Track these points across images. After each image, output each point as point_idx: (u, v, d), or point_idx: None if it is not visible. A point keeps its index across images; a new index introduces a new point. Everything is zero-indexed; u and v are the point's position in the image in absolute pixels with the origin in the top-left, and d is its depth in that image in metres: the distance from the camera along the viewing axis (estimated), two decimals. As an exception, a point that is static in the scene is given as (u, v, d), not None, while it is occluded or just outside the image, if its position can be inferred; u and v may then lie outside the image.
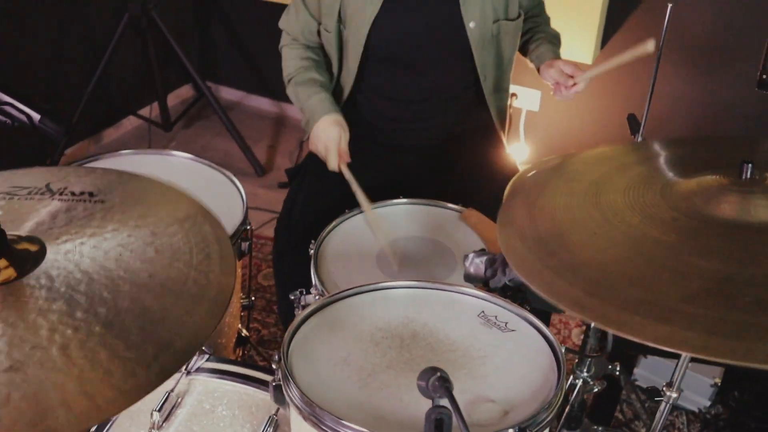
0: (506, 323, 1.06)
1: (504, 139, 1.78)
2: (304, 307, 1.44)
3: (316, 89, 1.64)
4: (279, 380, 0.95)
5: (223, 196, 1.56)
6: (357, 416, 0.84)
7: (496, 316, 1.07)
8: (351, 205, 1.55)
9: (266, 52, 3.41)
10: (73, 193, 1.10)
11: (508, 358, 0.98)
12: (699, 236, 0.77)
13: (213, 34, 3.49)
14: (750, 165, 0.75)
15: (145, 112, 3.21)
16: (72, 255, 0.92)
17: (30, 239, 0.94)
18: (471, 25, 1.56)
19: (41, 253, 0.92)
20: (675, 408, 2.02)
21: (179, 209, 1.06)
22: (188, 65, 2.95)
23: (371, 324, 1.04)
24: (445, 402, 0.73)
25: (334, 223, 1.48)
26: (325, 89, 1.65)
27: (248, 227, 1.53)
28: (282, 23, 1.72)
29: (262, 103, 3.53)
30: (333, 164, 1.57)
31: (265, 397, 1.18)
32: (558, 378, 0.94)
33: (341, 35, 1.64)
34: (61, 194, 1.09)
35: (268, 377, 1.19)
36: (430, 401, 0.77)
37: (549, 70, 1.60)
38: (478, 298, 1.12)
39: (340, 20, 1.62)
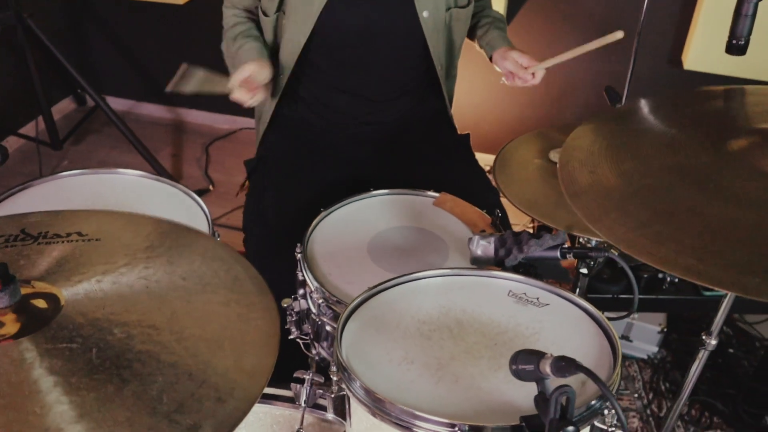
0: (537, 298, 1.07)
1: (455, 124, 1.80)
2: (298, 313, 1.39)
3: (247, 41, 1.60)
4: (336, 392, 0.91)
5: (185, 211, 1.46)
6: (450, 412, 0.82)
7: (525, 293, 1.09)
8: (325, 202, 1.50)
9: (154, 56, 3.21)
10: (58, 235, 0.98)
11: (557, 331, 1.00)
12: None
13: (92, 42, 3.24)
14: None
15: (27, 130, 2.93)
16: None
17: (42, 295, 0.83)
18: (425, 14, 1.55)
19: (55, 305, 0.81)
20: (626, 358, 2.16)
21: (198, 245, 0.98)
22: (76, 75, 2.73)
23: (412, 318, 1.02)
24: (561, 381, 0.73)
25: (315, 221, 1.43)
26: (257, 40, 1.60)
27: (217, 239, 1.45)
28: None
29: (155, 111, 3.34)
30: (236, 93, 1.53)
31: (282, 412, 1.13)
32: (611, 343, 0.97)
33: (278, 23, 1.58)
34: (44, 237, 0.97)
35: (280, 391, 1.14)
36: (526, 384, 0.77)
37: (504, 62, 1.62)
38: (500, 278, 1.13)
39: (280, 7, 1.56)
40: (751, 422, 1.98)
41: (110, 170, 1.57)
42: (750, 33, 1.12)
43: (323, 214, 1.46)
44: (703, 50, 2.33)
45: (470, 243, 1.24)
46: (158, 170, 2.84)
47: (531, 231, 1.18)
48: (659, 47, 2.48)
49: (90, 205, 1.46)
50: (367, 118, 1.70)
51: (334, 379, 0.92)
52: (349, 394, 0.89)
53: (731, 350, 2.18)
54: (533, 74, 1.56)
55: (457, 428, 0.79)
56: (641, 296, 1.62)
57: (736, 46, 1.13)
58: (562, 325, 1.01)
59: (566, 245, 1.13)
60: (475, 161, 1.72)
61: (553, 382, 0.75)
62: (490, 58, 1.69)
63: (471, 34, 1.74)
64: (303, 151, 1.68)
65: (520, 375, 0.78)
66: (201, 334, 0.80)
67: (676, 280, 1.65)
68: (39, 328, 0.76)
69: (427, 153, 1.70)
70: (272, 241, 1.51)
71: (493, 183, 1.55)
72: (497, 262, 1.20)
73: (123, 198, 1.49)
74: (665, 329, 2.09)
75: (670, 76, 2.50)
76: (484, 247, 1.22)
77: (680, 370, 2.13)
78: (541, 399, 0.75)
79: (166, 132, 3.24)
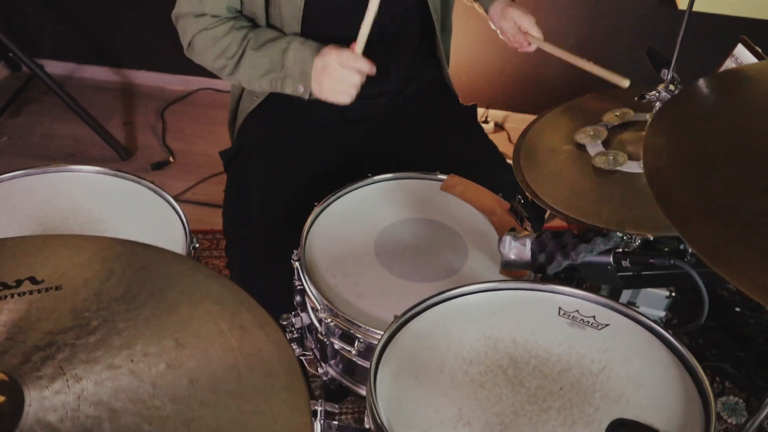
0: (593, 317, 0.92)
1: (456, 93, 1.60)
2: (300, 329, 1.21)
3: (286, 39, 1.32)
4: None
5: (157, 220, 1.24)
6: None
7: (577, 311, 0.93)
8: (316, 193, 1.30)
9: (94, 11, 2.88)
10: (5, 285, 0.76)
11: (629, 365, 0.84)
12: None
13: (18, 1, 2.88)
14: None
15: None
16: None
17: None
18: None
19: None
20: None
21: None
22: (3, 38, 2.41)
23: (456, 357, 0.85)
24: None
25: (310, 220, 1.24)
26: (291, 35, 1.34)
27: (195, 246, 1.25)
28: (187, 7, 1.36)
29: (99, 74, 3.02)
30: (366, 67, 1.25)
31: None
32: (692, 375, 0.82)
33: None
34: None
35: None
36: None
37: (502, 21, 1.42)
38: (546, 291, 0.96)
39: None
40: (764, 385, 1.91)
41: (60, 167, 1.33)
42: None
43: (318, 209, 1.26)
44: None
45: (501, 245, 1.06)
46: (108, 141, 2.57)
47: (574, 231, 1.01)
48: None
49: (39, 220, 1.23)
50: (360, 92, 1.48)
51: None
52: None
53: (737, 309, 2.09)
54: (527, 50, 1.38)
55: None
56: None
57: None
58: (632, 354, 0.85)
59: (619, 249, 0.96)
60: (484, 135, 1.53)
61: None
62: (486, 12, 1.48)
63: None
64: (287, 136, 1.47)
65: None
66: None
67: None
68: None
69: (427, 129, 1.50)
70: (261, 246, 1.30)
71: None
72: (536, 269, 1.03)
73: (80, 205, 1.26)
74: (673, 293, 1.98)
75: (663, 19, 2.32)
76: (519, 249, 1.05)
77: (687, 335, 2.04)
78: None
79: (114, 98, 2.93)
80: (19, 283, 0.76)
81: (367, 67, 1.24)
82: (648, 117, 1.11)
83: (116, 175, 1.33)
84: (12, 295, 0.75)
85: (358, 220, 1.26)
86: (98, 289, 0.76)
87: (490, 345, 0.87)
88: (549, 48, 1.37)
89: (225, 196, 1.45)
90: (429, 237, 1.24)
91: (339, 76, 1.25)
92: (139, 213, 1.26)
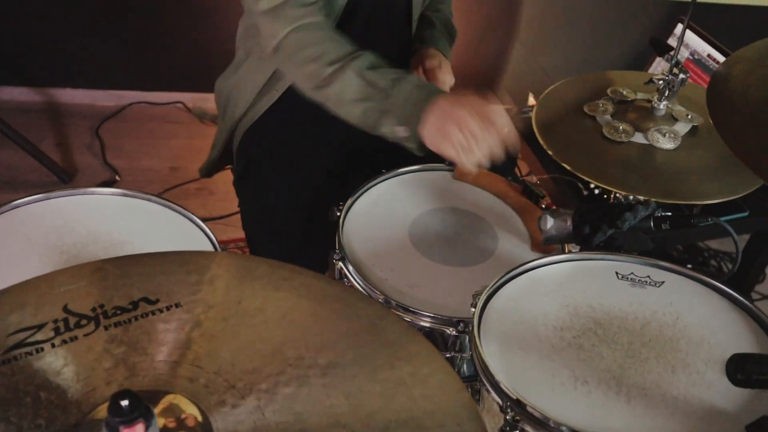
0: (649, 276, 1.02)
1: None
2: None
3: (401, 72, 1.19)
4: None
5: (180, 232, 1.22)
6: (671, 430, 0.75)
7: (633, 273, 1.03)
8: (332, 194, 1.33)
9: (9, 28, 2.72)
10: (121, 309, 0.75)
11: (693, 311, 0.95)
12: None
13: None
14: None
15: None
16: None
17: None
18: None
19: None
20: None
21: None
22: None
23: (546, 326, 0.93)
24: None
25: (341, 219, 1.27)
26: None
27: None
28: None
29: (20, 95, 2.86)
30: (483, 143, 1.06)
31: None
32: (751, 315, 0.93)
33: None
34: (111, 316, 0.74)
35: None
36: (718, 385, 0.71)
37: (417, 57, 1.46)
38: (600, 259, 1.06)
39: None
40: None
41: (64, 192, 1.28)
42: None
43: (345, 208, 1.29)
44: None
45: (542, 223, 1.14)
46: (47, 165, 2.45)
47: (614, 201, 1.11)
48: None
49: (59, 248, 1.18)
50: None
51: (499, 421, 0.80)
52: (537, 433, 0.78)
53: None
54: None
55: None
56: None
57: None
58: (694, 304, 0.96)
59: (658, 214, 1.07)
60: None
61: None
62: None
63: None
64: (292, 143, 1.48)
65: (750, 383, 0.72)
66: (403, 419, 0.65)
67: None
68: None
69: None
70: (291, 250, 1.33)
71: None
72: (581, 240, 1.12)
73: (95, 229, 1.23)
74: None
75: (590, 3, 2.50)
76: (559, 225, 1.13)
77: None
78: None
79: (40, 119, 2.79)
80: (135, 303, 0.76)
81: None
82: (651, 96, 1.23)
83: (124, 195, 1.30)
84: (136, 318, 0.74)
85: (386, 215, 1.30)
86: (219, 299, 0.77)
87: (571, 312, 0.95)
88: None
89: (242, 209, 1.45)
90: (457, 224, 1.30)
91: (474, 131, 1.06)
92: (160, 231, 1.23)
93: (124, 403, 0.55)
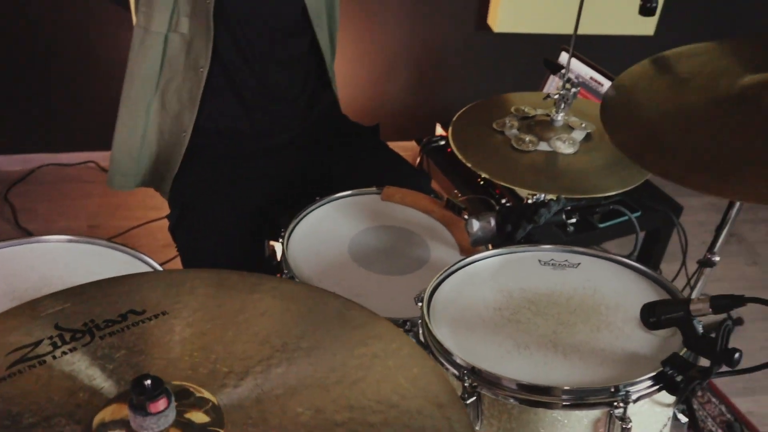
0: (566, 260, 1.17)
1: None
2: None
3: None
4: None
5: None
6: (604, 378, 0.88)
7: (552, 259, 1.18)
8: (266, 227, 1.43)
9: None
10: (111, 321, 0.82)
11: (608, 283, 1.10)
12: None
13: None
14: None
15: None
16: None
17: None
18: None
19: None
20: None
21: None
22: None
23: (487, 308, 1.06)
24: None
25: (283, 243, 1.36)
26: None
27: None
28: None
29: None
30: None
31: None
32: (656, 281, 1.10)
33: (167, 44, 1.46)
34: (104, 327, 0.80)
35: None
36: (633, 335, 0.87)
37: None
38: (524, 251, 1.20)
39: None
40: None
41: (21, 240, 1.31)
42: (658, -4, 1.30)
43: (288, 232, 1.39)
44: (509, 13, 2.60)
45: (469, 226, 1.29)
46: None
47: (528, 202, 1.26)
48: (465, 14, 2.70)
49: (11, 294, 1.21)
50: (271, 128, 1.63)
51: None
52: (493, 396, 0.90)
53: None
54: None
55: (620, 387, 0.86)
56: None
57: (649, 8, 1.31)
58: (608, 277, 1.12)
59: (567, 207, 1.23)
60: (393, 151, 1.75)
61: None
62: None
63: None
64: (222, 180, 1.56)
65: (660, 324, 0.87)
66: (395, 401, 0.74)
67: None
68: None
69: (341, 150, 1.69)
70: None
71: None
72: (505, 238, 1.26)
73: (50, 274, 1.26)
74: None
75: (482, 40, 2.74)
76: (484, 227, 1.28)
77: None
78: (697, 340, 0.84)
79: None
80: (123, 315, 0.82)
81: None
82: (549, 110, 1.42)
83: (70, 241, 1.34)
84: (126, 327, 0.81)
85: (326, 236, 1.41)
86: (198, 305, 0.84)
87: (506, 295, 1.08)
88: None
89: (181, 252, 1.51)
90: (391, 239, 1.42)
91: None
92: (111, 272, 1.27)
93: (147, 382, 0.62)
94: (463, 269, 1.16)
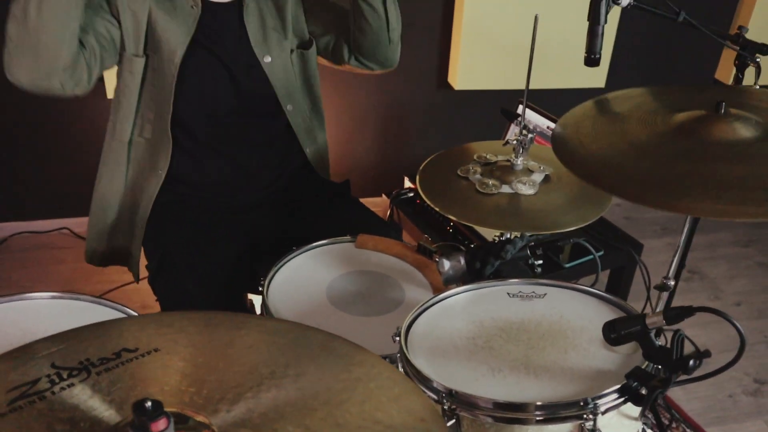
0: (533, 291, 1.24)
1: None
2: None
3: None
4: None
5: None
6: (573, 392, 0.94)
7: (520, 291, 1.25)
8: (244, 277, 1.50)
9: None
10: (106, 359, 0.86)
11: (575, 310, 1.17)
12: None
13: None
14: (723, 103, 1.12)
15: None
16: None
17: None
18: (266, 59, 1.62)
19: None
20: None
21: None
22: None
23: (461, 337, 1.12)
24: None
25: (264, 291, 1.41)
26: None
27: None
28: None
29: None
30: None
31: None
32: (617, 305, 1.18)
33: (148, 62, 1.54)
34: (99, 365, 0.85)
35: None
36: (598, 354, 0.94)
37: None
38: (492, 286, 1.27)
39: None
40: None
41: (8, 297, 1.34)
42: (601, 48, 1.43)
43: (267, 280, 1.44)
44: (467, 72, 2.75)
45: (440, 266, 1.36)
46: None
47: (493, 241, 1.34)
48: (427, 75, 2.85)
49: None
50: (242, 183, 1.70)
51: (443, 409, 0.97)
52: (471, 417, 0.95)
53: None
54: None
55: (588, 401, 0.93)
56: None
57: (593, 59, 1.43)
58: (573, 305, 1.19)
59: (532, 243, 1.32)
60: (362, 205, 1.82)
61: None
62: None
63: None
64: (200, 236, 1.62)
65: (620, 340, 0.94)
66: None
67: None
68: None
69: (312, 206, 1.76)
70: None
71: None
72: (475, 275, 1.33)
73: (34, 330, 1.29)
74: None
75: (444, 97, 2.89)
76: (455, 265, 1.35)
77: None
78: (654, 350, 0.91)
79: None
80: (118, 354, 0.86)
81: None
82: (509, 156, 1.52)
83: (53, 297, 1.37)
84: (125, 362, 0.85)
85: (304, 283, 1.46)
86: (189, 343, 0.89)
87: (478, 325, 1.14)
88: None
89: (161, 301, 1.55)
90: (367, 282, 1.48)
91: None
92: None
93: (148, 404, 0.67)
94: (436, 304, 1.22)
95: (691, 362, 0.89)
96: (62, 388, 0.79)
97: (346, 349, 0.93)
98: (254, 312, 1.63)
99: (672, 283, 1.36)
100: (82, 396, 0.78)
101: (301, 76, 1.69)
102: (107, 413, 0.75)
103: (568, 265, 1.93)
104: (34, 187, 2.88)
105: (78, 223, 2.93)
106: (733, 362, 0.91)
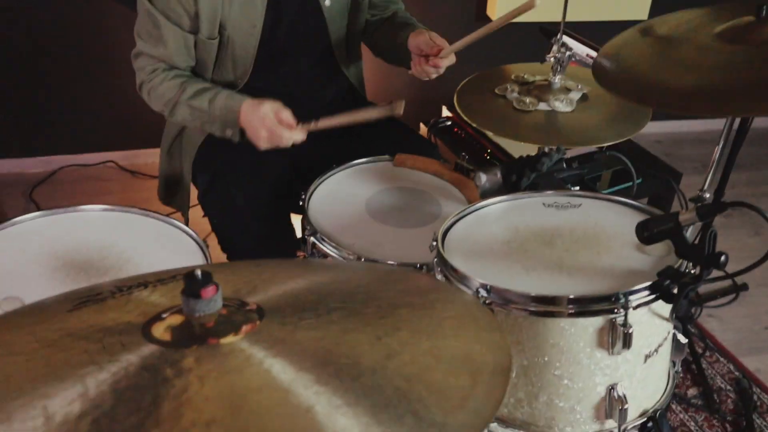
0: (569, 202, 1.26)
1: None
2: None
3: (214, 91, 1.54)
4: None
5: (171, 240, 1.37)
6: (607, 287, 0.97)
7: (555, 202, 1.27)
8: (291, 189, 1.54)
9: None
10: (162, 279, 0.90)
11: (608, 218, 1.19)
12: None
13: None
14: (765, 6, 1.10)
15: None
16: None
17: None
18: (326, 3, 1.63)
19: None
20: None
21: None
22: None
23: (496, 241, 1.15)
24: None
25: (305, 204, 1.46)
26: (221, 88, 1.56)
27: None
28: (143, 45, 1.55)
29: (-52, 169, 2.88)
30: (287, 139, 1.47)
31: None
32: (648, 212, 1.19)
33: (222, 44, 1.56)
34: (156, 282, 0.89)
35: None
36: (629, 257, 0.96)
37: (418, 38, 1.64)
38: (528, 197, 1.29)
39: (221, 26, 1.54)
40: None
41: (66, 209, 1.43)
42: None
43: (308, 194, 1.48)
44: (507, 4, 2.70)
45: (477, 179, 1.38)
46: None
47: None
48: (466, 8, 2.82)
49: (67, 259, 1.31)
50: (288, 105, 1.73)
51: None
52: (506, 311, 0.99)
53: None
54: (440, 63, 1.59)
55: (620, 295, 0.95)
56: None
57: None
58: (607, 214, 1.21)
59: (566, 157, 1.33)
60: (405, 124, 1.85)
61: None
62: (403, 45, 1.77)
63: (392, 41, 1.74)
64: (249, 155, 1.66)
65: (653, 238, 0.96)
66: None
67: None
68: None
69: (359, 127, 1.78)
70: (262, 245, 1.51)
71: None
72: (511, 187, 1.35)
73: (91, 234, 1.37)
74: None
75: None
76: (491, 178, 1.37)
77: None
78: (686, 247, 0.93)
79: (-30, 190, 2.82)
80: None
81: (299, 139, 1.48)
82: (547, 76, 1.52)
83: (114, 210, 1.44)
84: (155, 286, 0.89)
85: (344, 197, 1.50)
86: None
87: (513, 231, 1.17)
88: (458, 45, 1.65)
89: (211, 218, 1.61)
90: (405, 198, 1.52)
91: (272, 130, 1.46)
92: (148, 235, 1.38)
93: (198, 272, 0.72)
94: (472, 213, 1.25)
95: (723, 257, 0.90)
96: (122, 295, 0.84)
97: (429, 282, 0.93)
98: (295, 237, 1.67)
99: (708, 195, 1.36)
100: (141, 296, 0.82)
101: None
102: (163, 303, 0.79)
103: (605, 192, 1.93)
104: (82, 122, 2.96)
105: (122, 156, 3.02)
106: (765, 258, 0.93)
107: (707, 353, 2.26)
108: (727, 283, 2.58)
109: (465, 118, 1.46)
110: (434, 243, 1.15)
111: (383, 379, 0.66)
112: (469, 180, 1.52)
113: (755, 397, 2.11)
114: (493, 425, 1.09)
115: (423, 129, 2.46)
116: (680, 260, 0.99)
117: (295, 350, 0.69)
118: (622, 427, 1.03)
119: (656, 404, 1.09)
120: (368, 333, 0.74)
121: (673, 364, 1.17)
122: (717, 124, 2.52)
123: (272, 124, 1.45)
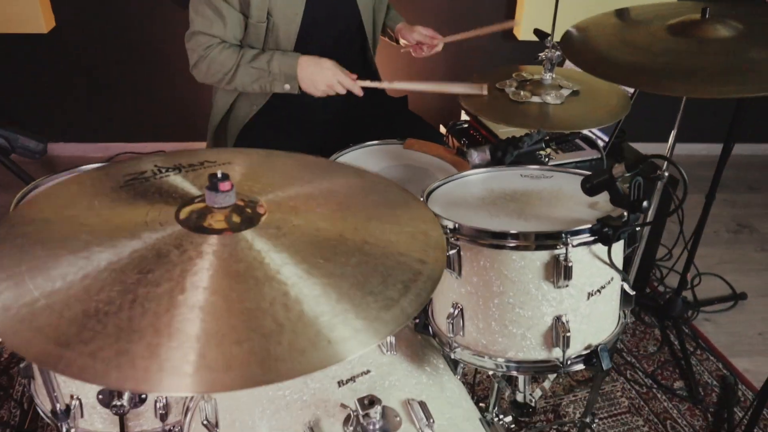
0: (543, 174, 1.46)
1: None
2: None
3: (270, 52, 1.82)
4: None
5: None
6: (556, 227, 1.17)
7: (531, 173, 1.47)
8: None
9: (26, 89, 3.13)
10: (192, 165, 1.15)
11: (570, 184, 1.38)
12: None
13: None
14: (708, 9, 1.32)
15: None
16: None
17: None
18: None
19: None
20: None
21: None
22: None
23: (472, 198, 1.36)
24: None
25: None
26: (274, 50, 1.84)
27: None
28: (200, 26, 1.81)
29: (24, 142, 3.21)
30: (350, 85, 1.78)
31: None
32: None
33: (268, 26, 1.84)
34: (188, 168, 1.14)
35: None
36: (580, 210, 1.15)
37: (413, 33, 2.03)
38: (508, 170, 1.50)
39: (269, 12, 1.82)
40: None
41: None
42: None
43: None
44: (531, 24, 2.92)
45: (468, 156, 1.59)
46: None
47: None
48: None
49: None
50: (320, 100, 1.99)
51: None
52: (470, 245, 1.19)
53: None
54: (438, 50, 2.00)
55: (562, 234, 1.15)
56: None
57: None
58: (574, 183, 1.39)
59: (547, 137, 1.53)
60: (417, 115, 2.08)
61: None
62: (392, 34, 2.08)
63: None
64: (281, 133, 1.93)
65: (594, 189, 1.15)
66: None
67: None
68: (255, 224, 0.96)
69: (374, 115, 2.03)
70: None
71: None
72: (497, 163, 1.56)
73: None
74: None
75: (509, 48, 3.08)
76: (481, 155, 1.58)
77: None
78: (619, 195, 1.12)
79: (39, 167, 3.15)
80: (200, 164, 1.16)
81: (353, 89, 1.78)
82: (543, 75, 1.72)
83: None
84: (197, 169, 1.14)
85: (356, 169, 1.73)
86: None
87: (488, 191, 1.38)
88: (452, 38, 1.99)
89: None
90: (409, 173, 1.74)
91: (336, 77, 1.78)
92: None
93: (219, 173, 0.95)
94: (459, 179, 1.46)
95: (645, 203, 1.09)
96: (161, 177, 1.09)
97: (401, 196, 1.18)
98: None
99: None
100: (175, 181, 1.07)
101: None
102: (191, 190, 1.04)
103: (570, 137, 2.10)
104: (137, 114, 3.29)
105: (172, 147, 3.33)
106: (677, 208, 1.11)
107: (698, 351, 2.39)
108: (727, 291, 2.74)
109: (465, 107, 1.68)
110: (421, 199, 1.37)
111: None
112: (465, 161, 1.73)
113: (740, 393, 2.23)
114: (460, 351, 1.29)
115: (442, 129, 2.68)
116: (615, 209, 1.18)
117: (292, 240, 0.92)
118: (566, 354, 1.22)
119: (601, 342, 1.27)
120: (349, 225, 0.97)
121: (624, 314, 1.35)
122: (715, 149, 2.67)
123: (335, 73, 1.75)
